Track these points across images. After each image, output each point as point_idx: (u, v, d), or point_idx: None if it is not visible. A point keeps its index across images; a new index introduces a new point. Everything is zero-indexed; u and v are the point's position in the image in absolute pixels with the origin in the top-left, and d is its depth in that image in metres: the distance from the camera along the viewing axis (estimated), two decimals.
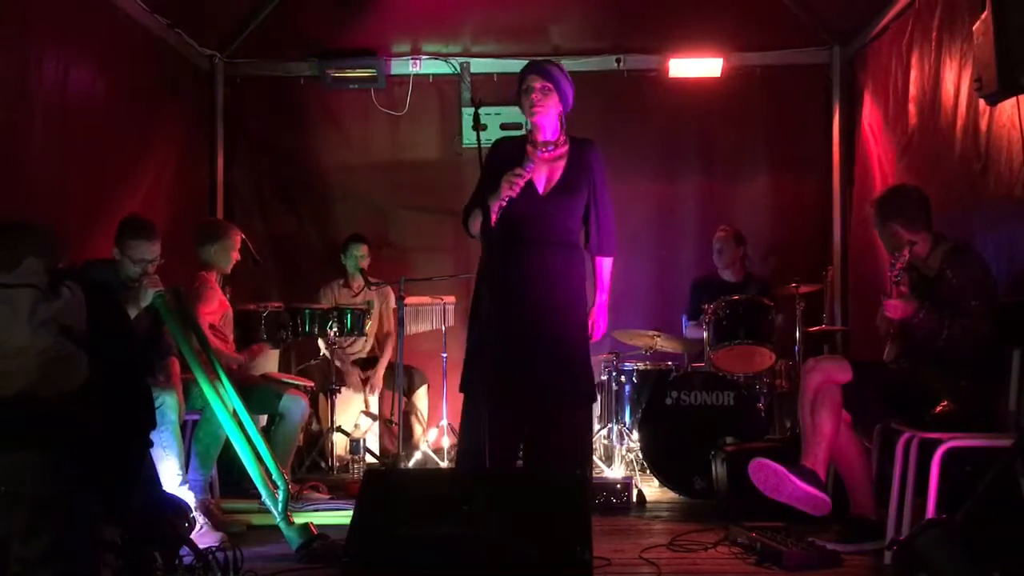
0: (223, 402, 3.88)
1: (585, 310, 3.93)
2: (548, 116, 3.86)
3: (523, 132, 4.07)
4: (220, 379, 3.97)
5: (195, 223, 5.34)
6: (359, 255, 6.14)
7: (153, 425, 3.22)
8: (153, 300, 3.94)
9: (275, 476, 3.83)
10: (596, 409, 6.13)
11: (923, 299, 3.69)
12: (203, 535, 3.81)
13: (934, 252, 3.82)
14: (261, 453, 3.88)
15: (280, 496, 3.74)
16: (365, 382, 6.08)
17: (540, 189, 3.84)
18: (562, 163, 3.89)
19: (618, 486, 4.81)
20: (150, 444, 3.31)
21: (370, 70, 6.54)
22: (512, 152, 3.87)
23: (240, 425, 3.88)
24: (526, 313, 3.65)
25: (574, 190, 3.85)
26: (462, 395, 3.97)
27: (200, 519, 3.88)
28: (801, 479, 3.60)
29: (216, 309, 4.80)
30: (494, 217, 3.72)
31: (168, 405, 4.12)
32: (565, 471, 3.67)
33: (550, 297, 3.79)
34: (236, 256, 4.99)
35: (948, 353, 3.66)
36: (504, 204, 3.72)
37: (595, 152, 3.97)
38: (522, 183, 3.69)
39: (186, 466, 4.27)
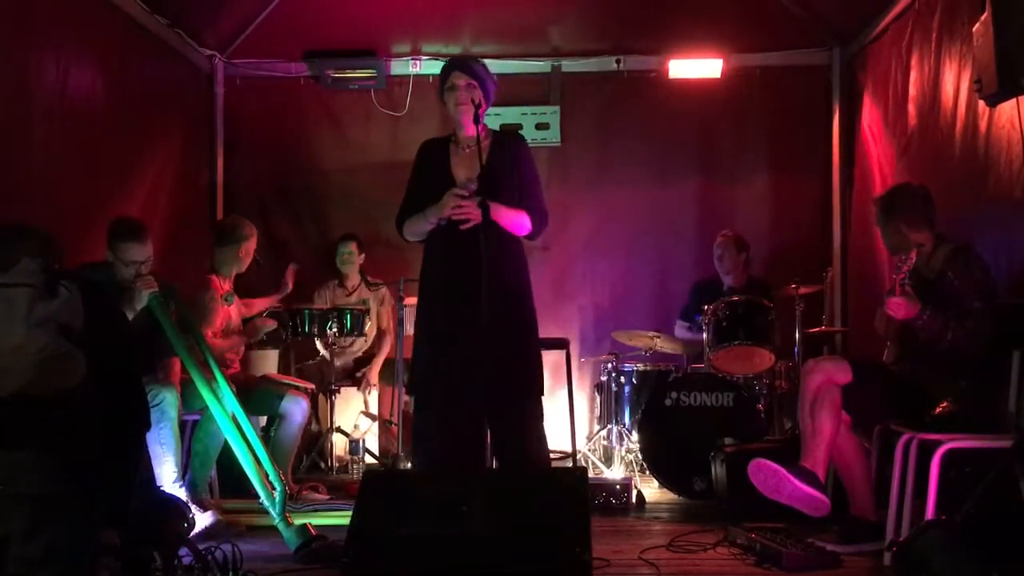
0: (219, 402, 3.88)
1: (530, 300, 3.87)
2: (470, 116, 3.82)
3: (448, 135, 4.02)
4: (216, 379, 3.97)
5: (210, 223, 5.35)
6: (346, 252, 6.18)
7: (148, 426, 3.22)
8: (148, 301, 3.94)
9: (272, 477, 3.83)
10: (596, 409, 6.18)
11: (924, 300, 3.68)
12: (197, 519, 3.79)
13: (935, 253, 3.81)
14: (258, 454, 3.88)
15: (277, 497, 3.74)
16: (360, 380, 6.09)
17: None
18: (484, 155, 3.84)
19: (617, 487, 4.81)
20: (144, 446, 3.31)
21: (370, 70, 6.55)
22: (437, 153, 3.89)
23: (237, 425, 3.88)
24: (466, 309, 3.56)
25: (497, 179, 3.80)
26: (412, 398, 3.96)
27: (193, 508, 3.87)
28: (800, 480, 3.60)
29: (217, 327, 4.81)
30: (431, 225, 3.76)
31: (168, 402, 4.13)
32: (527, 466, 3.70)
33: (489, 289, 3.67)
34: (252, 255, 5.01)
35: (952, 356, 3.65)
36: (443, 222, 3.72)
37: (519, 143, 3.97)
38: (466, 205, 3.66)
39: (185, 465, 4.28)
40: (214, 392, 3.89)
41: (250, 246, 4.97)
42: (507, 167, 3.85)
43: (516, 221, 3.81)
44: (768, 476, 3.66)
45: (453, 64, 3.91)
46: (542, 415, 3.89)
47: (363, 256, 6.28)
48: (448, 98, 3.86)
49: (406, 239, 3.94)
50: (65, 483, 2.72)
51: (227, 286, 4.93)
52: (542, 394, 3.88)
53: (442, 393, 3.75)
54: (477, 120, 3.73)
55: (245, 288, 5.83)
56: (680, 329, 5.98)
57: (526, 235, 3.88)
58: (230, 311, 4.94)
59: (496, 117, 6.33)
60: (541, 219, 3.88)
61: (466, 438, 3.59)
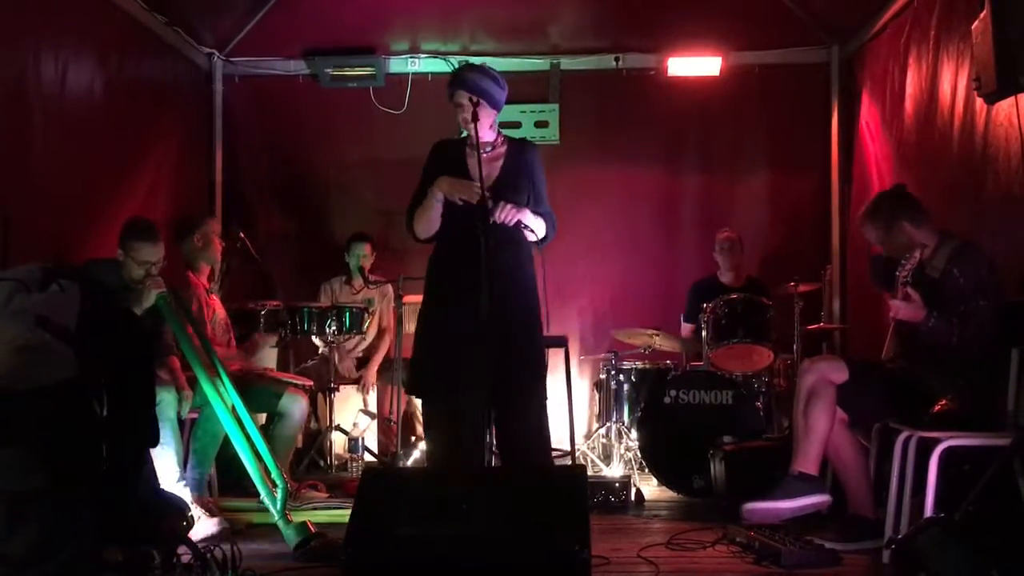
0: (223, 400, 3.89)
1: (537, 305, 3.88)
2: (481, 126, 3.80)
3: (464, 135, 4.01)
4: (220, 377, 3.99)
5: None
6: (361, 254, 6.15)
7: (154, 443, 3.19)
8: (156, 301, 3.99)
9: (274, 474, 3.84)
10: (595, 407, 6.18)
11: (929, 300, 3.67)
12: (201, 524, 3.80)
13: (939, 251, 3.79)
14: (260, 451, 3.89)
15: (279, 494, 3.75)
16: (358, 381, 6.08)
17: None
18: (500, 162, 3.88)
19: (617, 485, 4.81)
20: (145, 459, 3.29)
21: (369, 68, 6.55)
22: (452, 153, 3.88)
23: (239, 423, 3.89)
24: (473, 311, 3.53)
25: (513, 187, 3.83)
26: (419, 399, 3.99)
27: (197, 511, 3.88)
28: (790, 499, 3.65)
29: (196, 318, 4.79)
30: (438, 203, 3.77)
31: (167, 402, 4.15)
32: (529, 461, 3.75)
33: (498, 293, 3.65)
34: (219, 244, 4.98)
35: (957, 355, 3.65)
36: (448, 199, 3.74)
37: (534, 151, 3.98)
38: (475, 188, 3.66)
39: (184, 464, 4.28)
40: (217, 388, 3.90)
41: (206, 231, 4.92)
42: (523, 176, 3.87)
43: (536, 225, 3.84)
44: (763, 514, 3.73)
45: (454, 82, 3.84)
46: (544, 399, 3.92)
47: (375, 255, 6.26)
48: (457, 111, 3.84)
49: (417, 238, 3.92)
50: (44, 481, 2.67)
51: (203, 280, 4.93)
52: (544, 377, 3.93)
53: (443, 392, 3.77)
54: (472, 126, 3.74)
55: (247, 287, 5.85)
56: (686, 331, 6.00)
57: (539, 240, 3.90)
58: (215, 305, 4.93)
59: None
60: (553, 225, 3.92)
61: (467, 437, 3.62)
